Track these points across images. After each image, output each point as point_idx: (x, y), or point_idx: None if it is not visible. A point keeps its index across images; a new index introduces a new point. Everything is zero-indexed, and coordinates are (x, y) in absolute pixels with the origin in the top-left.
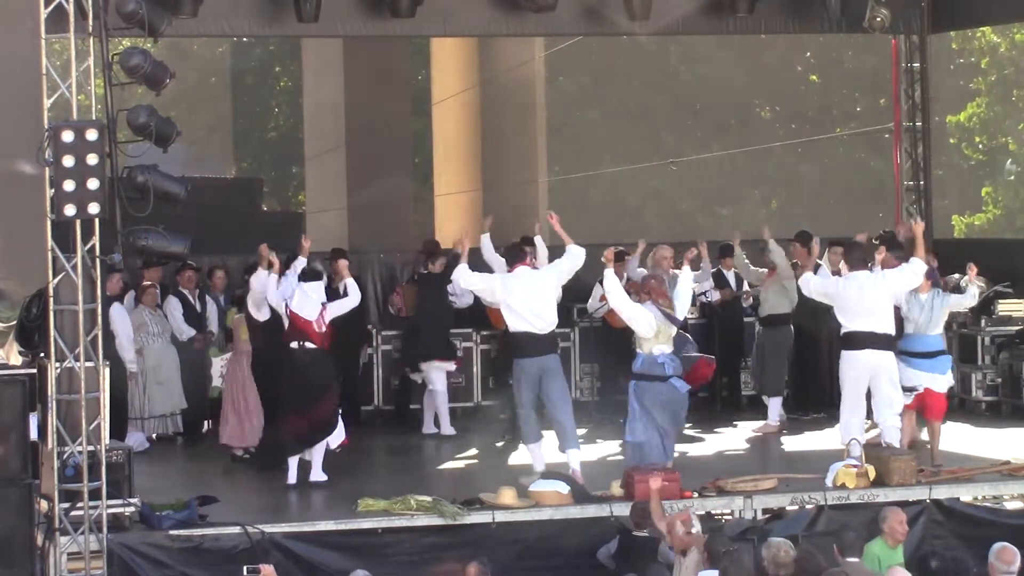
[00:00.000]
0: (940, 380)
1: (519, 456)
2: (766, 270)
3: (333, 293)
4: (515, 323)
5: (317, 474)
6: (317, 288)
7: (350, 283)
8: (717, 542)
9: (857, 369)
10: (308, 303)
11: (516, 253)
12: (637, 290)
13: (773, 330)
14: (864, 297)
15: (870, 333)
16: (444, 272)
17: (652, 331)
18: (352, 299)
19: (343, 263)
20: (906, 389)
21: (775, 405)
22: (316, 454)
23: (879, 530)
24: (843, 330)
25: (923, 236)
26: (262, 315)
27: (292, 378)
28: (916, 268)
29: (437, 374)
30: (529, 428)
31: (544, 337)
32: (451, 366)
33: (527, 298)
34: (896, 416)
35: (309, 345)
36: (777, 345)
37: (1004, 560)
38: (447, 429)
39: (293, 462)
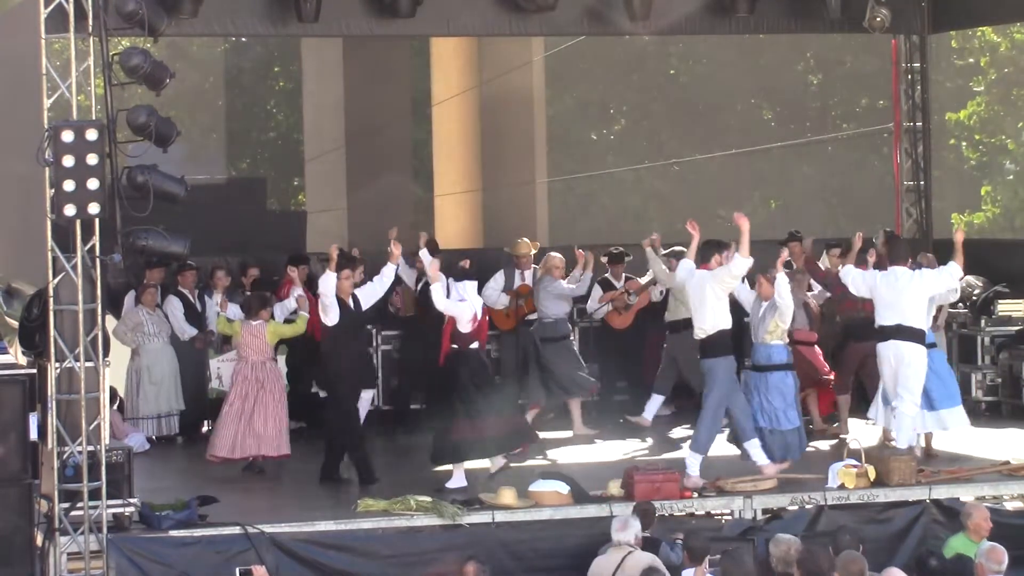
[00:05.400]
0: None
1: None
2: None
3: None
4: None
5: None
6: (472, 287)
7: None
8: (696, 540)
9: (881, 359)
10: (467, 303)
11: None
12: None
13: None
14: (899, 293)
15: (896, 326)
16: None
17: None
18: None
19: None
20: None
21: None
22: None
23: (960, 526)
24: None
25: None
26: (330, 319)
27: (474, 379)
28: (952, 271)
29: None
30: None
31: None
32: None
33: None
34: (911, 405)
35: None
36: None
37: (995, 560)
38: None
39: (460, 469)
